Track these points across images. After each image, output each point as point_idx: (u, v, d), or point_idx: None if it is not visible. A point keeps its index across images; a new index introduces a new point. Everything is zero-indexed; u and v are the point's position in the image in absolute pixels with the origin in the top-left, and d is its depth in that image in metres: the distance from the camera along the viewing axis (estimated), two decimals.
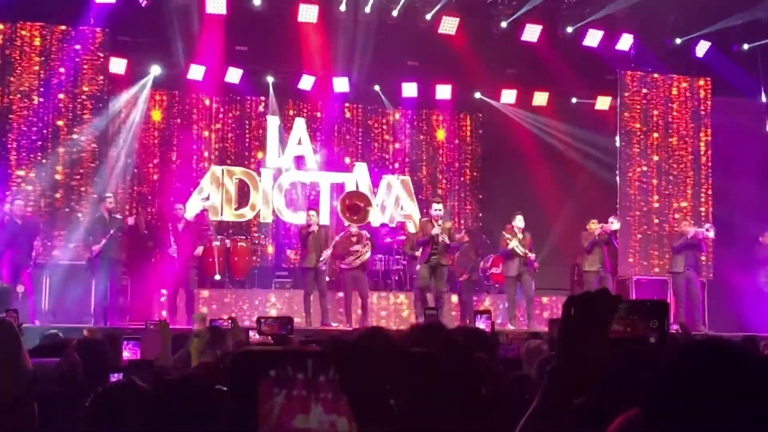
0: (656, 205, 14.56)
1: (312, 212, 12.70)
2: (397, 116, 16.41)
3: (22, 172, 12.26)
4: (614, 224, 13.05)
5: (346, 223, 13.27)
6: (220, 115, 15.76)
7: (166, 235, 12.11)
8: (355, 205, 13.62)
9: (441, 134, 16.72)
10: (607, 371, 1.84)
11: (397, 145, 16.59)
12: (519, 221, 12.68)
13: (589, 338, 1.82)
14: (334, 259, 12.83)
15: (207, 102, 15.58)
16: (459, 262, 13.31)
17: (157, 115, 15.20)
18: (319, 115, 16.09)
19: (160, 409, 1.73)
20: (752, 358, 1.45)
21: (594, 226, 12.89)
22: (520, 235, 12.61)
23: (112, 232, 11.54)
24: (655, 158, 14.66)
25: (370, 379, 1.34)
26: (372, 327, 1.77)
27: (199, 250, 12.41)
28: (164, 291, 12.64)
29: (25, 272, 11.29)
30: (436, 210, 12.19)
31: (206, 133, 15.62)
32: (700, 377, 1.44)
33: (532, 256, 12.64)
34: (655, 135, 14.72)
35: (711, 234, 13.07)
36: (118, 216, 12.16)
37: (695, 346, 1.51)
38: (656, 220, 14.50)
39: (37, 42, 12.58)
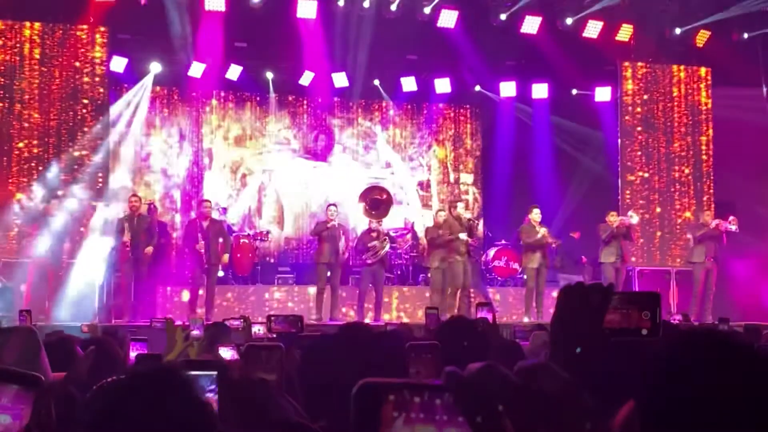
0: (657, 196, 14.57)
1: (333, 207, 12.50)
2: (386, 136, 16.51)
3: (23, 182, 12.33)
4: (633, 217, 12.93)
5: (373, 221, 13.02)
6: (223, 114, 15.87)
7: (191, 232, 12.00)
8: (375, 200, 13.56)
9: (441, 153, 16.84)
10: (601, 365, 1.85)
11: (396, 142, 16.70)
12: (536, 215, 12.46)
13: (583, 328, 1.84)
14: (357, 254, 12.79)
15: (210, 102, 15.70)
16: None
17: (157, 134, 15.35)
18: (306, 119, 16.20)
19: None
20: (739, 346, 1.46)
21: (613, 218, 12.76)
22: (539, 228, 12.50)
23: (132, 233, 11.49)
24: (656, 148, 14.67)
25: (488, 411, 1.43)
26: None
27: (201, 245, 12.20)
28: (169, 288, 12.66)
29: (51, 272, 11.30)
30: (460, 208, 12.15)
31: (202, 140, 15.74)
32: (687, 367, 1.45)
33: (558, 242, 12.55)
34: (656, 125, 14.73)
35: (733, 227, 12.64)
36: (146, 215, 12.15)
37: (681, 336, 1.52)
38: (658, 209, 14.53)
39: (36, 48, 12.61)
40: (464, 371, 1.67)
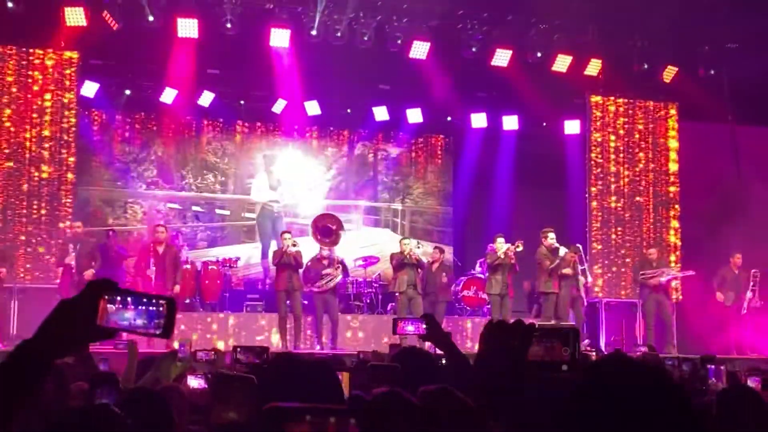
0: (624, 228, 14.72)
1: (287, 235, 12.61)
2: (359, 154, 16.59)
3: None
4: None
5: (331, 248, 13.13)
6: (194, 140, 15.87)
7: (144, 257, 11.98)
8: (326, 227, 13.57)
9: (412, 181, 16.90)
10: (523, 401, 1.89)
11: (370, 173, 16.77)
12: (500, 243, 12.68)
13: (505, 366, 1.88)
14: (306, 282, 12.77)
15: (182, 125, 15.70)
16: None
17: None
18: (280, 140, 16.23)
19: None
20: (645, 374, 1.50)
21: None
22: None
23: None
24: (624, 181, 14.84)
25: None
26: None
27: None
28: None
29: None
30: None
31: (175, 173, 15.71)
32: (587, 394, 1.50)
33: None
34: (624, 159, 14.90)
35: (674, 284, 13.46)
36: (88, 240, 12.15)
37: (593, 366, 1.57)
38: (624, 241, 14.67)
39: (6, 72, 12.60)
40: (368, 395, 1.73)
